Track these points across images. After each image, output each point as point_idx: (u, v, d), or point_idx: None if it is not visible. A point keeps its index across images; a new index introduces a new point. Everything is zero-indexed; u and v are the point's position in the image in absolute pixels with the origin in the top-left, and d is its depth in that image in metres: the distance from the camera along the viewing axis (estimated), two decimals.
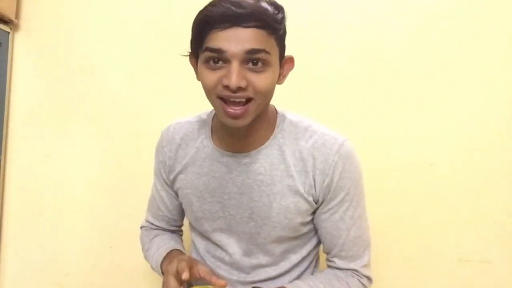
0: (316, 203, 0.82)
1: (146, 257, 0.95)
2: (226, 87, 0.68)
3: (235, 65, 0.68)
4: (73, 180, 1.39)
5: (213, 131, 0.86)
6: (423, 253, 1.22)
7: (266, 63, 0.70)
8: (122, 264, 1.36)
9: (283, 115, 0.84)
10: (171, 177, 0.91)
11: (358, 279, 0.84)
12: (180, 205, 0.95)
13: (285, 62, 0.78)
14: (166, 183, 0.93)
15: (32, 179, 1.40)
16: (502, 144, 1.18)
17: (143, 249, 0.98)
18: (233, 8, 0.66)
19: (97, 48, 1.37)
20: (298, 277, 0.88)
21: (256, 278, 0.86)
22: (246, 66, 0.69)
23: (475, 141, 1.19)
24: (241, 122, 0.72)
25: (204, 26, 0.69)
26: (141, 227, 1.03)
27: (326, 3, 1.26)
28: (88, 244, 1.37)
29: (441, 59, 1.21)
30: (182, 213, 0.99)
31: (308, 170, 0.79)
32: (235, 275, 0.87)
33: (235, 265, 0.87)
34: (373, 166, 1.23)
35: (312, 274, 0.91)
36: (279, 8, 0.73)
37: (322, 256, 0.93)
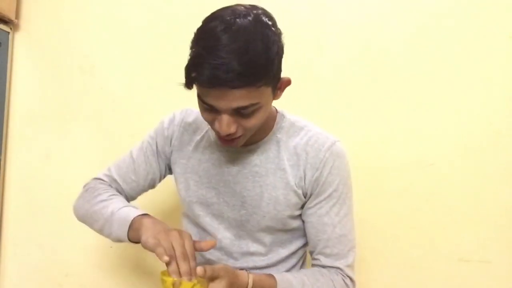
0: (305, 197, 0.85)
1: (86, 203, 0.90)
2: (217, 131, 0.75)
3: (224, 118, 0.72)
4: (73, 180, 1.38)
5: None
6: (423, 253, 1.22)
7: (256, 109, 0.72)
8: (122, 264, 1.36)
9: (283, 115, 0.89)
10: (172, 157, 0.94)
11: (342, 278, 0.85)
12: (152, 180, 0.96)
13: (281, 85, 0.78)
14: (160, 156, 0.95)
15: (32, 179, 1.40)
16: (502, 143, 1.18)
17: (92, 196, 0.90)
18: (219, 72, 0.65)
19: (97, 48, 1.37)
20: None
21: (244, 265, 0.89)
22: (237, 114, 0.72)
23: (475, 141, 1.20)
24: (233, 146, 0.80)
25: (193, 79, 0.70)
26: (95, 178, 0.97)
27: (325, 3, 1.26)
28: (88, 244, 1.37)
29: (440, 58, 1.21)
30: (146, 187, 0.97)
31: (300, 164, 0.84)
32: (224, 261, 0.90)
33: (224, 251, 0.90)
34: (372, 165, 1.23)
35: None
36: (271, 44, 0.69)
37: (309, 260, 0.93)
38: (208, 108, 0.73)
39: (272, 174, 0.85)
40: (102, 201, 0.88)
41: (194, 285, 0.68)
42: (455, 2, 1.20)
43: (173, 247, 0.71)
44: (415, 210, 1.22)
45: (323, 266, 0.86)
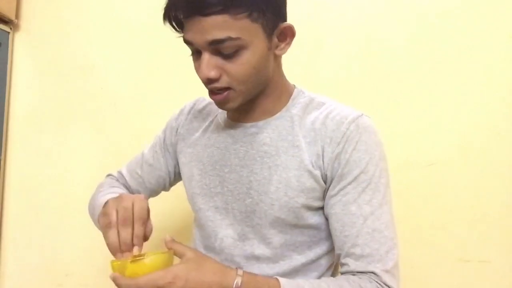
0: (324, 182, 0.70)
1: (92, 199, 0.86)
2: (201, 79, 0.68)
3: (204, 57, 0.65)
4: (73, 180, 1.39)
5: None
6: (423, 253, 1.22)
7: (239, 48, 0.64)
8: None
9: (302, 91, 0.79)
10: (178, 147, 0.87)
11: (378, 287, 0.64)
12: (161, 177, 0.91)
13: (282, 32, 0.69)
14: (167, 150, 0.90)
15: (32, 179, 1.40)
16: (502, 143, 1.18)
17: (96, 193, 0.87)
18: None
19: (97, 48, 1.37)
20: None
21: None
22: (219, 54, 0.65)
23: (475, 141, 1.19)
24: (228, 107, 0.71)
25: (174, 17, 0.66)
26: (107, 175, 0.95)
27: (325, 1, 1.26)
28: (88, 244, 1.37)
29: (440, 58, 1.21)
30: (154, 187, 0.92)
31: (318, 139, 0.70)
32: None
33: (225, 254, 0.76)
34: None
35: None
36: None
37: None
38: (192, 51, 0.68)
39: (284, 152, 0.71)
40: (99, 192, 0.85)
41: (141, 265, 0.58)
42: (455, 2, 1.20)
43: (117, 214, 0.63)
44: (415, 210, 1.22)
45: (353, 273, 0.66)
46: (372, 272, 0.65)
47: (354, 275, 0.67)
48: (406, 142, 1.22)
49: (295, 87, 0.79)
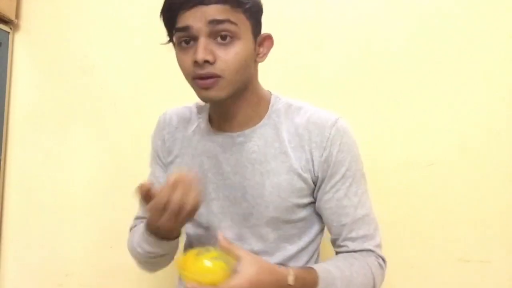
0: (314, 184, 0.80)
1: (132, 249, 0.87)
2: (196, 63, 0.70)
3: (201, 40, 0.70)
4: (73, 180, 1.39)
5: (210, 116, 0.87)
6: (423, 253, 1.22)
7: (234, 36, 0.71)
8: (122, 264, 1.36)
9: (277, 97, 0.85)
10: (169, 159, 0.89)
11: (376, 259, 0.80)
12: None
13: (263, 40, 0.78)
14: (163, 169, 0.92)
15: (32, 179, 1.40)
16: (502, 143, 1.18)
17: (130, 249, 0.89)
18: None
19: (97, 48, 1.37)
20: None
21: None
22: (214, 40, 0.71)
23: (475, 141, 1.19)
24: (213, 94, 0.72)
25: (172, 10, 0.72)
26: (130, 229, 0.96)
27: (325, 2, 1.26)
28: (88, 244, 1.37)
29: (440, 58, 1.21)
30: None
31: (304, 145, 0.78)
32: None
33: None
34: (372, 165, 1.22)
35: None
36: None
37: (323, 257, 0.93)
38: (187, 45, 0.72)
39: (272, 159, 0.79)
40: (132, 241, 0.86)
41: (223, 274, 0.64)
42: (455, 2, 1.20)
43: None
44: (415, 210, 1.22)
45: (353, 251, 0.81)
46: (368, 250, 0.80)
47: (355, 252, 0.80)
48: (406, 142, 1.22)
49: (271, 94, 0.85)
